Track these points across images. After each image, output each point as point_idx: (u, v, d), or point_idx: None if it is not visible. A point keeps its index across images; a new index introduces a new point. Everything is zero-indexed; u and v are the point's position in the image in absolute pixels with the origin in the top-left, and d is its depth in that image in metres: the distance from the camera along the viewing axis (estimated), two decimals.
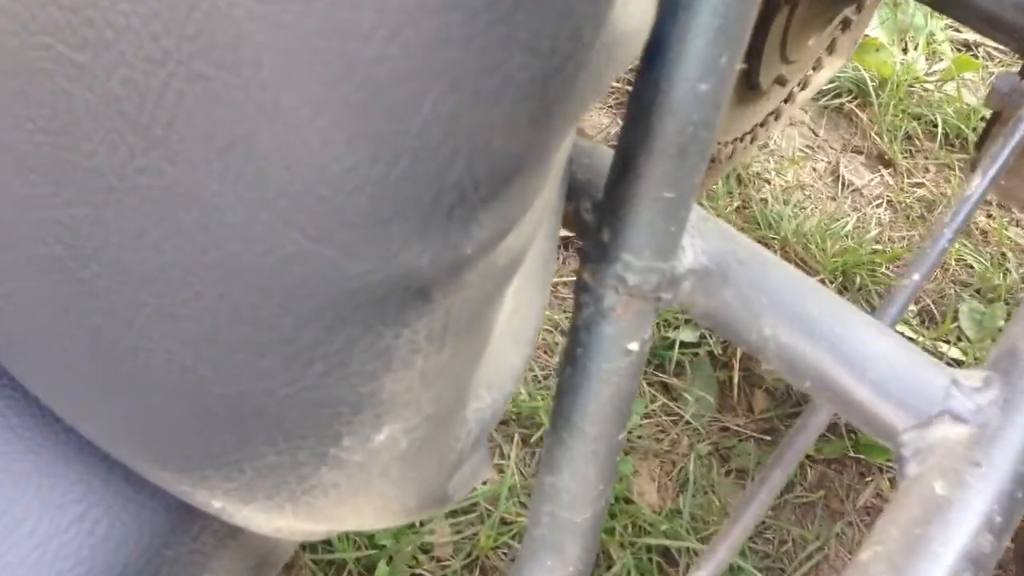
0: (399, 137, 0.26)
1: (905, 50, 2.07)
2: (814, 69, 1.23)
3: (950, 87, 1.98)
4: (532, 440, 1.15)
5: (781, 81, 1.00)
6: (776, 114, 1.23)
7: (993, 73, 2.10)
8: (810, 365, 0.44)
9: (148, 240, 0.29)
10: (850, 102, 1.90)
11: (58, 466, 0.41)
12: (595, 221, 0.45)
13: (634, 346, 0.46)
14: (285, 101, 0.25)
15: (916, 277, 0.54)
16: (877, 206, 1.68)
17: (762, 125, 1.22)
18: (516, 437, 1.15)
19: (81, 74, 0.28)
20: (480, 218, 0.28)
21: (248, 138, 0.26)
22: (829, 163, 1.79)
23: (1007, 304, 1.47)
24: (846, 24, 1.11)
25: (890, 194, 1.73)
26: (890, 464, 1.21)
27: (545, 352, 1.27)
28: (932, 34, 2.11)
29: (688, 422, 1.21)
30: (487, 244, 0.29)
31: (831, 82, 1.91)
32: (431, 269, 0.29)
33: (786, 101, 1.23)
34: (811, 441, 0.52)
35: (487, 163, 0.27)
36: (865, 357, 0.43)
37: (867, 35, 1.82)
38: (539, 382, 1.22)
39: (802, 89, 1.25)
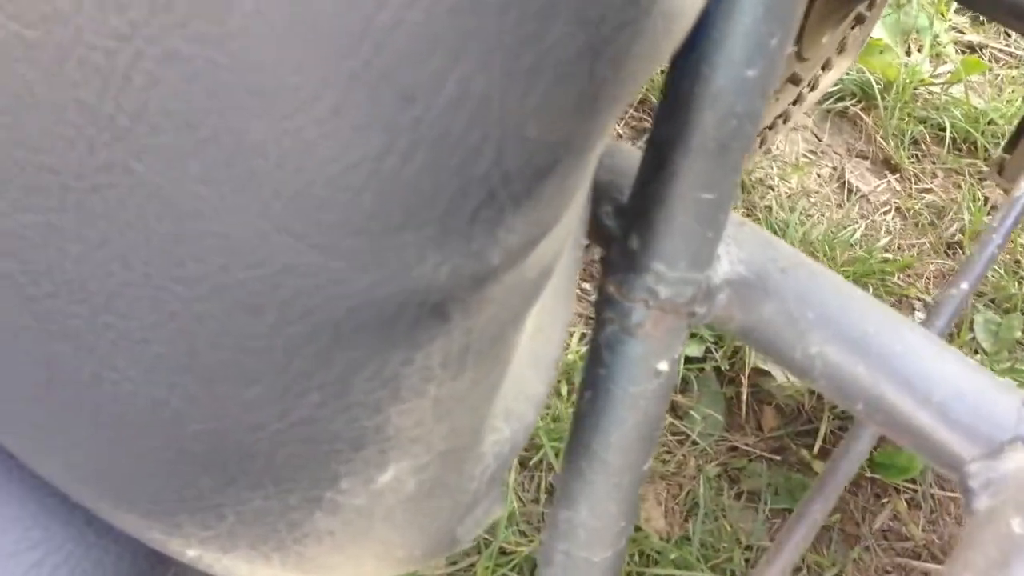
0: (416, 123, 0.22)
1: (908, 52, 2.05)
2: (824, 69, 1.20)
3: (956, 90, 1.95)
4: (531, 463, 1.10)
5: (795, 80, 0.97)
6: (785, 116, 1.20)
7: (999, 76, 2.08)
8: (862, 386, 0.40)
9: (112, 251, 0.25)
10: (854, 105, 1.87)
11: (11, 508, 0.36)
12: (619, 227, 0.41)
13: (664, 366, 0.42)
14: (280, 82, 0.21)
15: (964, 286, 0.50)
16: (885, 213, 1.65)
17: (771, 128, 1.18)
18: (514, 460, 1.11)
19: (32, 54, 0.24)
20: (510, 222, 0.24)
21: (235, 129, 0.22)
22: (834, 169, 1.76)
23: (1023, 314, 1.44)
24: (859, 20, 1.08)
25: (898, 200, 1.70)
26: (908, 484, 1.18)
27: None
28: (936, 36, 2.09)
29: (695, 442, 1.17)
30: (517, 253, 0.25)
31: (834, 85, 1.88)
32: (450, 283, 0.25)
33: (795, 103, 1.20)
34: (853, 470, 0.48)
35: (520, 155, 0.23)
36: (926, 377, 0.39)
37: (871, 36, 1.79)
38: None
39: (811, 90, 1.21)
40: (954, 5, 2.20)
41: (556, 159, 0.24)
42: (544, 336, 0.35)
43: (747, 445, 1.18)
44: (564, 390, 1.16)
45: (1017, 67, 2.14)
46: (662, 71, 0.36)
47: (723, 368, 1.25)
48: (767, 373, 1.24)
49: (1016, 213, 0.54)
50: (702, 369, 1.24)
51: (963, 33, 2.20)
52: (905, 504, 1.17)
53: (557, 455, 1.08)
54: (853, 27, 1.18)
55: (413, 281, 0.24)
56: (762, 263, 0.42)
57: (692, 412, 1.20)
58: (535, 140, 0.23)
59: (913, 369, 0.40)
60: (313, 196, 0.23)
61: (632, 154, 0.46)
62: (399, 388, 0.27)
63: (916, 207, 1.67)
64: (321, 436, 0.28)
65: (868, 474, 1.18)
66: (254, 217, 0.23)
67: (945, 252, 1.58)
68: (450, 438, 0.30)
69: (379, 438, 0.29)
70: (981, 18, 2.25)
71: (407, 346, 0.26)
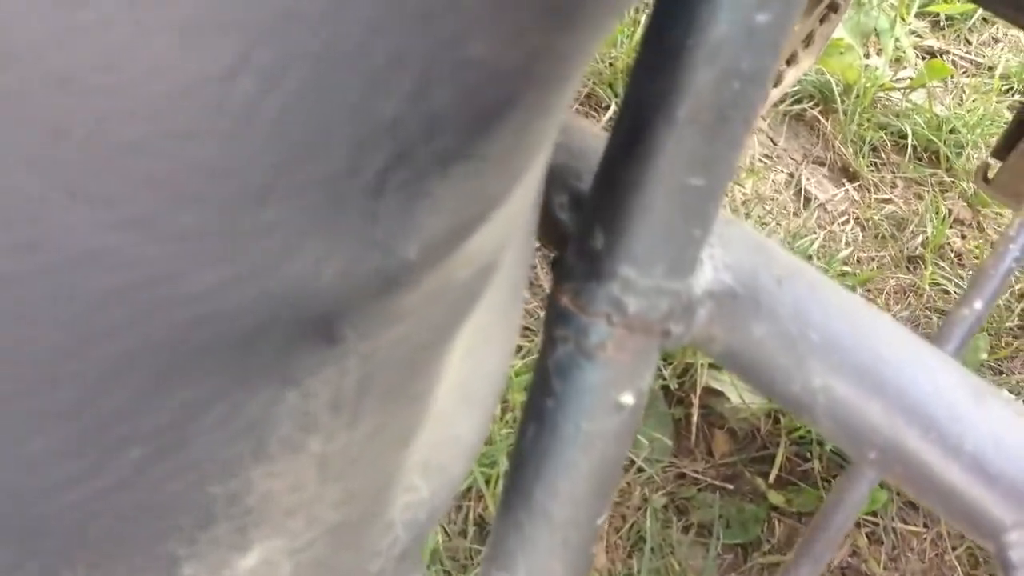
0: (290, 27, 0.14)
1: (867, 55, 2.02)
2: (788, 63, 1.15)
3: (917, 97, 1.93)
4: (459, 491, 1.03)
5: None
6: None
7: (960, 84, 2.07)
8: (877, 430, 0.33)
9: None
10: (812, 108, 1.83)
11: None
12: (577, 222, 0.34)
13: (628, 399, 0.35)
14: None
15: (978, 306, 0.44)
16: (844, 223, 1.61)
17: None
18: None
19: None
20: (435, 195, 0.16)
21: (16, 60, 0.14)
22: (790, 175, 1.71)
23: (989, 335, 1.40)
24: (832, 8, 1.02)
25: (857, 211, 1.66)
26: (868, 518, 1.12)
27: None
28: (897, 40, 2.07)
29: (641, 468, 1.10)
30: (444, 245, 0.18)
31: (793, 85, 1.84)
32: (341, 287, 0.17)
33: None
34: (849, 523, 0.41)
35: (456, 87, 0.15)
36: (958, 420, 0.32)
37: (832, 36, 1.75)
38: None
39: (775, 85, 1.16)
40: (915, 9, 2.19)
41: (510, 98, 0.16)
42: (478, 362, 0.27)
43: (697, 472, 1.12)
44: (497, 409, 1.08)
45: (976, 75, 2.13)
46: (637, 22, 0.29)
47: (671, 387, 1.18)
48: (719, 393, 1.18)
49: None
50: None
51: (922, 38, 2.18)
52: (866, 539, 1.12)
53: (488, 482, 1.00)
54: (822, 20, 1.13)
55: (283, 282, 0.17)
56: (753, 271, 0.35)
57: (638, 435, 1.13)
58: (479, 64, 0.15)
59: (942, 410, 0.33)
60: (119, 138, 0.15)
61: (592, 132, 0.38)
62: (265, 441, 0.19)
63: (876, 218, 1.63)
64: (149, 507, 0.20)
65: None
66: (21, 168, 0.15)
67: (906, 267, 1.54)
68: (343, 507, 0.22)
69: (236, 511, 0.21)
70: (942, 23, 2.24)
71: (276, 380, 0.18)
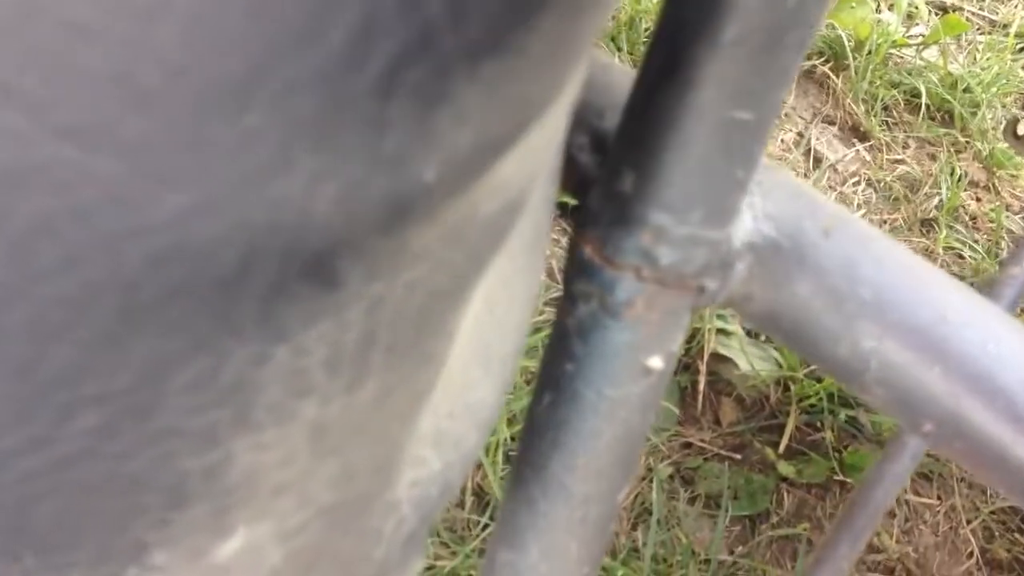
0: None
1: (879, 10, 1.98)
2: None
3: (929, 54, 1.89)
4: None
5: None
6: None
7: (973, 41, 2.03)
8: (936, 400, 0.30)
9: None
10: (822, 64, 1.79)
11: None
12: (600, 165, 0.31)
13: (657, 362, 0.32)
14: None
15: None
16: (855, 184, 1.58)
17: None
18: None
19: None
20: (460, 99, 0.13)
21: None
22: (799, 134, 1.68)
23: None
24: None
25: (868, 172, 1.62)
26: None
27: None
28: None
29: (646, 437, 1.07)
30: (467, 167, 0.14)
31: None
32: (341, 217, 0.14)
33: None
34: (890, 500, 0.38)
35: None
36: None
37: None
38: None
39: None
40: None
41: None
42: (498, 319, 0.24)
43: (703, 442, 1.09)
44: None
45: (991, 32, 2.09)
46: None
47: (677, 352, 1.15)
48: (727, 359, 1.15)
49: None
50: None
51: None
52: None
53: (487, 452, 0.97)
54: None
55: (267, 209, 0.13)
56: (797, 222, 0.32)
57: None
58: None
59: (1011, 377, 0.30)
60: (53, 18, 0.12)
61: (615, 65, 0.35)
62: (248, 406, 0.16)
63: (888, 179, 1.60)
64: (108, 484, 0.17)
65: (837, 476, 1.10)
66: None
67: (920, 230, 1.51)
68: (341, 484, 0.19)
69: (216, 488, 0.18)
70: None
71: (261, 334, 0.15)
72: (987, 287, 0.48)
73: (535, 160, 0.17)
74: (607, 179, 0.29)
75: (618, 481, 0.35)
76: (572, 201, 0.32)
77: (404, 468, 0.22)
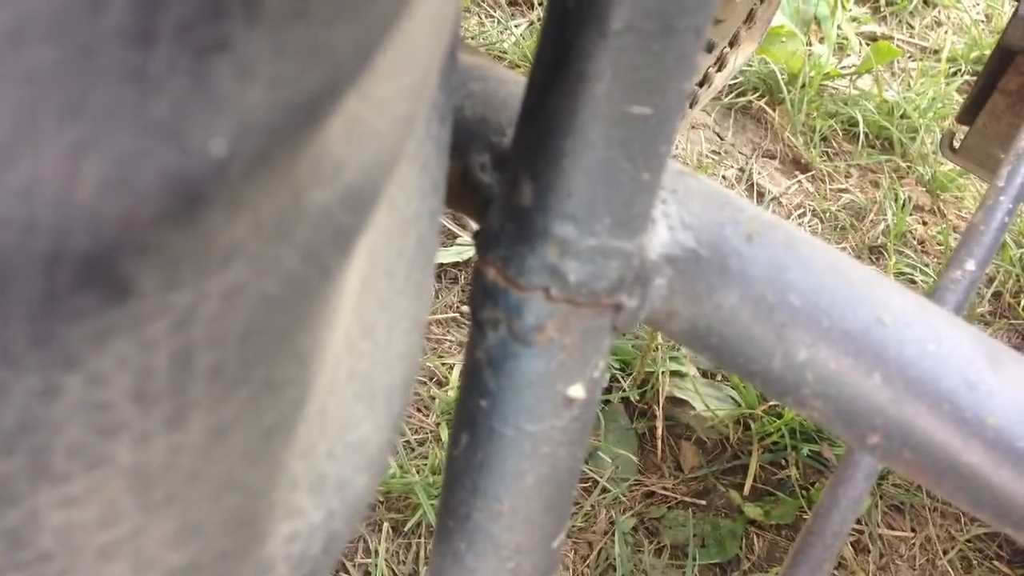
0: None
1: (810, 43, 2.00)
2: (730, 45, 1.12)
3: (864, 83, 1.91)
4: (407, 528, 0.96)
5: (707, 46, 0.87)
6: (692, 99, 1.10)
7: (908, 69, 2.06)
8: (878, 409, 0.29)
9: None
10: (758, 100, 1.81)
11: None
12: (502, 181, 0.29)
13: (578, 391, 0.30)
14: None
15: (971, 266, 0.39)
16: (801, 216, 1.58)
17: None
18: (385, 525, 0.96)
19: None
20: (242, 46, 0.11)
21: None
22: (741, 169, 1.68)
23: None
24: None
25: (812, 202, 1.63)
26: (856, 526, 1.08)
27: (419, 410, 1.09)
28: (839, 27, 2.06)
29: (605, 489, 1.05)
30: (270, 138, 0.12)
31: (735, 78, 1.81)
32: (115, 204, 0.12)
33: (702, 84, 1.11)
34: (846, 528, 0.36)
35: None
36: (974, 388, 0.28)
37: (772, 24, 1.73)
38: (412, 449, 1.04)
39: (718, 69, 1.12)
40: None
41: None
42: (381, 346, 0.22)
43: (666, 489, 1.07)
44: (445, 434, 1.02)
45: (922, 59, 2.13)
46: None
47: (632, 398, 1.13)
48: (684, 402, 1.13)
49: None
50: (608, 401, 1.13)
51: (864, 24, 2.18)
52: (851, 548, 1.07)
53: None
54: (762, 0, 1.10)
55: (14, 198, 0.11)
56: (717, 229, 0.30)
57: (600, 453, 1.08)
58: None
59: (955, 378, 0.28)
60: None
61: (514, 79, 0.33)
62: (44, 451, 0.14)
63: (833, 208, 1.61)
64: None
65: (807, 515, 1.07)
66: None
67: (869, 257, 1.52)
68: (188, 544, 0.17)
69: (24, 557, 0.15)
70: (883, 9, 2.24)
71: (44, 359, 0.13)
72: (930, 294, 0.47)
73: (377, 143, 0.15)
74: (506, 193, 0.27)
75: (551, 527, 0.33)
76: (475, 225, 0.30)
77: (275, 521, 0.19)
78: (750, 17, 1.11)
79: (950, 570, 1.09)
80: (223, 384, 0.15)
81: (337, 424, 0.21)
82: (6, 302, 0.12)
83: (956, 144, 0.89)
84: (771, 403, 1.15)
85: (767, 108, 1.79)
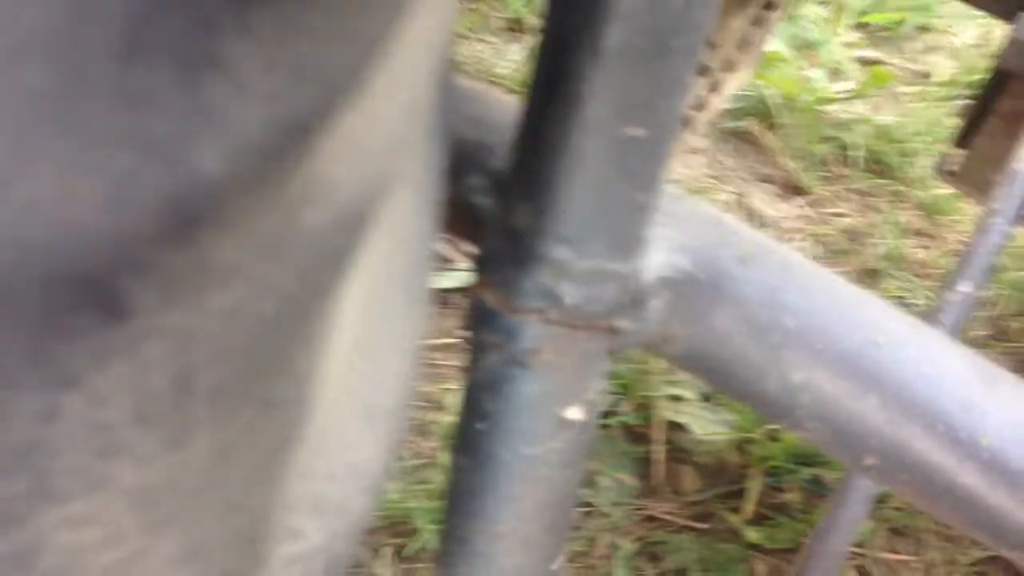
0: None
1: (804, 68, 2.02)
2: (726, 70, 1.12)
3: (858, 108, 1.92)
4: (410, 553, 0.96)
5: (701, 71, 0.88)
6: (688, 124, 1.11)
7: (903, 92, 2.07)
8: (874, 431, 0.29)
9: None
10: (754, 124, 1.82)
11: None
12: (496, 205, 0.29)
13: (575, 413, 0.30)
14: None
15: (967, 288, 0.39)
16: (801, 240, 1.59)
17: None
18: (388, 550, 0.96)
19: None
20: (233, 61, 0.11)
21: None
22: (739, 194, 1.69)
23: None
24: (769, 6, 1.00)
25: (810, 226, 1.64)
26: (853, 550, 1.08)
27: (419, 435, 1.09)
28: (833, 51, 2.07)
29: (605, 513, 1.04)
30: (264, 156, 0.12)
31: (731, 103, 1.82)
32: (111, 224, 0.12)
33: (698, 109, 1.12)
34: (845, 548, 0.36)
35: None
36: (968, 409, 0.28)
37: (768, 49, 1.74)
38: (411, 473, 1.04)
39: (713, 93, 1.13)
40: (848, 20, 2.20)
41: None
42: (379, 366, 0.22)
43: (666, 514, 1.07)
44: (446, 459, 1.02)
45: (916, 83, 2.14)
46: None
47: (630, 423, 1.13)
48: (682, 426, 1.13)
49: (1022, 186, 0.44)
50: (606, 426, 1.13)
51: (858, 49, 2.19)
52: (856, 572, 1.07)
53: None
54: (756, 23, 1.10)
55: (13, 217, 0.11)
56: (712, 251, 0.30)
57: (598, 478, 1.08)
58: None
59: (950, 399, 0.28)
60: None
61: (507, 101, 0.34)
62: (48, 472, 0.14)
63: (831, 233, 1.61)
64: None
65: (808, 539, 1.07)
66: None
67: (868, 281, 1.52)
68: (190, 565, 0.17)
69: None
70: (877, 35, 2.25)
71: (44, 380, 0.13)
72: (926, 315, 0.47)
73: (370, 164, 0.15)
74: (501, 216, 0.28)
75: (550, 549, 0.33)
76: (474, 250, 0.31)
77: (275, 542, 0.19)
78: (745, 42, 1.11)
79: None
80: (223, 404, 0.15)
81: (337, 444, 0.21)
82: (5, 322, 0.12)
83: (952, 168, 0.89)
84: (770, 426, 1.15)
85: (763, 132, 1.80)
